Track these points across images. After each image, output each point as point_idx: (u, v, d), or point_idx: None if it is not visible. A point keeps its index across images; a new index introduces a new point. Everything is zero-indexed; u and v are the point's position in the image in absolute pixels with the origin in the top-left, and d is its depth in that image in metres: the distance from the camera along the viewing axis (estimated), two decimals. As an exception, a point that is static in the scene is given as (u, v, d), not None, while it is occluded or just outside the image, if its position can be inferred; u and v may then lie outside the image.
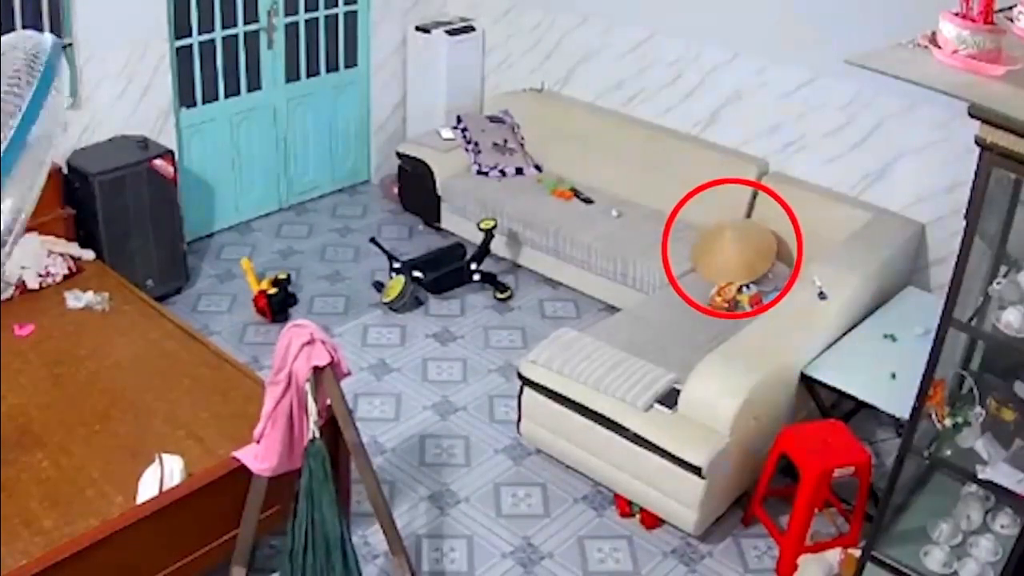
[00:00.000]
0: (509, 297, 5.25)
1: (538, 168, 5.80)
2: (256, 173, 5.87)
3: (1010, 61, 2.56)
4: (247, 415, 3.27)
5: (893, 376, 3.78)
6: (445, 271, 5.26)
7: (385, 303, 5.11)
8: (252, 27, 5.56)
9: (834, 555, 3.59)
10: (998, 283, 2.96)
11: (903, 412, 3.27)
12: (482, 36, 6.24)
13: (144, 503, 3.03)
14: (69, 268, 4.35)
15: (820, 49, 4.57)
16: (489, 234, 5.25)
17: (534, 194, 5.52)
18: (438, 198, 5.75)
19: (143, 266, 4.86)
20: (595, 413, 3.79)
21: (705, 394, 3.64)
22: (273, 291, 4.98)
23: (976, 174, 2.72)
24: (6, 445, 3.23)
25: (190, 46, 5.30)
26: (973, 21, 2.56)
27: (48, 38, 2.60)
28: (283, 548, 2.98)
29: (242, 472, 2.95)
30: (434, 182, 5.71)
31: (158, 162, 4.81)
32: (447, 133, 5.89)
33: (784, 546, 3.63)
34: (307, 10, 5.79)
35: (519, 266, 5.51)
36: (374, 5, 6.03)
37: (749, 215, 5.03)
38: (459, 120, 5.92)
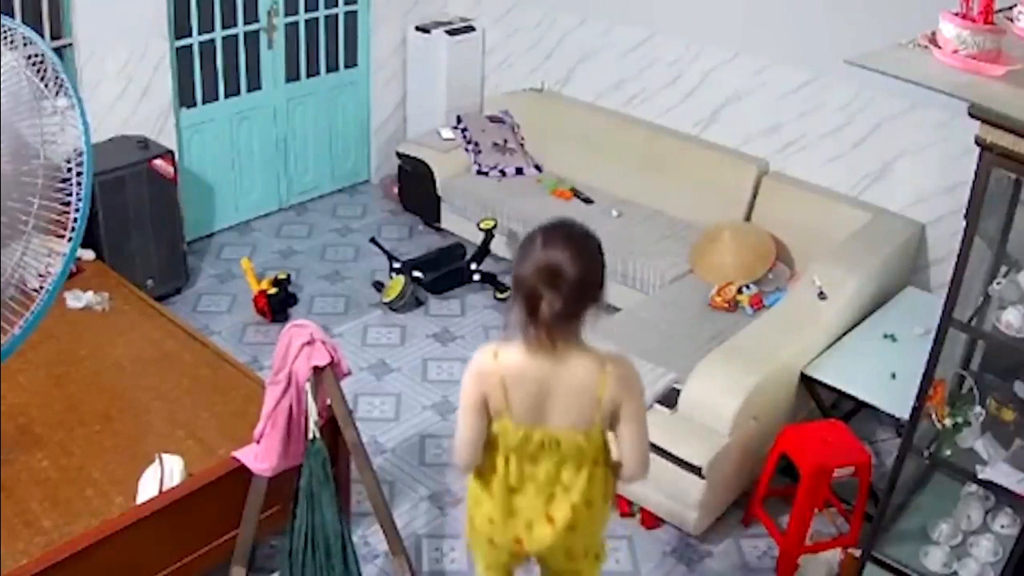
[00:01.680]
0: (509, 297, 5.25)
1: (538, 168, 5.80)
2: (256, 173, 5.87)
3: (1010, 61, 2.56)
4: (247, 415, 3.27)
5: (893, 376, 3.78)
6: (445, 271, 5.26)
7: (385, 303, 5.11)
8: (252, 27, 5.56)
9: (834, 555, 3.59)
10: (998, 283, 2.96)
11: (903, 412, 3.27)
12: (482, 36, 6.24)
13: (144, 503, 3.02)
14: (69, 268, 4.35)
15: (820, 49, 4.57)
16: (489, 234, 5.25)
17: (534, 194, 5.52)
18: (438, 198, 5.75)
19: (143, 266, 4.86)
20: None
21: (705, 394, 3.64)
22: (273, 291, 4.98)
23: (976, 174, 2.72)
24: (6, 445, 3.22)
25: (190, 46, 5.30)
26: (973, 21, 2.56)
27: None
28: (283, 548, 2.98)
29: (242, 472, 2.94)
30: (434, 182, 5.71)
31: (158, 162, 4.81)
32: (447, 133, 5.89)
33: (784, 546, 3.63)
34: (307, 10, 5.79)
35: (519, 266, 5.50)
36: (374, 5, 6.03)
37: (748, 217, 5.03)
38: (459, 120, 5.92)
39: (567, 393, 2.33)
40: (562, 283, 2.20)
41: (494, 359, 2.36)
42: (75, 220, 2.66)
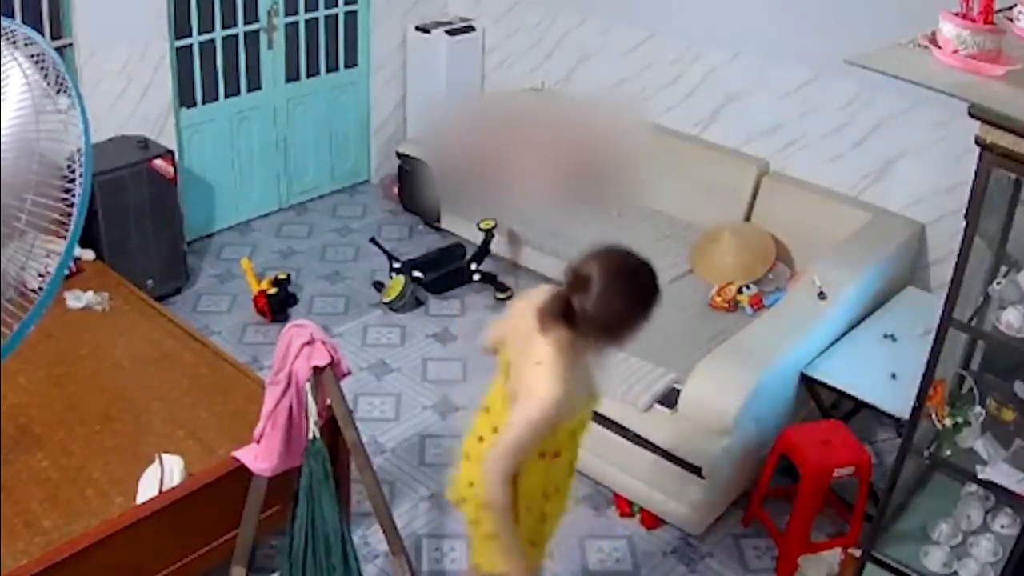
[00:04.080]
0: (509, 297, 5.25)
1: (538, 168, 5.80)
2: (256, 173, 5.87)
3: (1010, 61, 2.56)
4: (247, 415, 3.27)
5: (893, 376, 3.78)
6: (445, 271, 5.26)
7: (385, 303, 5.11)
8: (252, 27, 5.56)
9: (834, 555, 3.59)
10: (998, 283, 2.96)
11: (903, 412, 3.27)
12: (482, 36, 6.24)
13: (144, 503, 3.02)
14: (69, 268, 4.35)
15: (820, 49, 4.57)
16: (489, 234, 5.25)
17: (534, 194, 5.52)
18: (438, 198, 5.75)
19: (143, 266, 4.86)
20: (595, 413, 3.78)
21: (705, 394, 3.63)
22: (273, 291, 4.98)
23: (976, 174, 2.72)
24: (6, 445, 3.22)
25: (190, 46, 5.30)
26: (973, 21, 2.56)
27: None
28: (283, 548, 2.98)
29: (242, 472, 2.94)
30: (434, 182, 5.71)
31: (158, 162, 4.81)
32: (447, 133, 5.89)
33: (784, 546, 3.63)
34: (307, 10, 5.79)
35: (519, 266, 5.51)
36: (374, 5, 6.03)
37: (748, 217, 5.03)
38: (459, 120, 5.92)
39: (518, 368, 2.46)
40: (586, 298, 2.27)
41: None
42: (73, 219, 2.65)
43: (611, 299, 2.28)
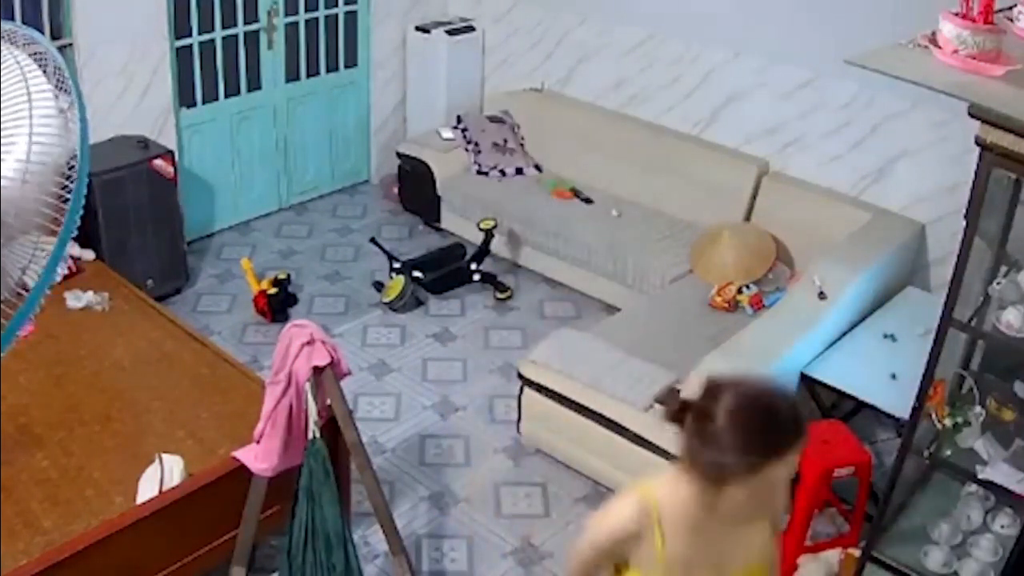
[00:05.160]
0: (509, 297, 5.25)
1: (538, 168, 5.80)
2: (256, 173, 5.87)
3: (1010, 61, 2.56)
4: (247, 415, 3.27)
5: (893, 376, 3.78)
6: (445, 271, 5.26)
7: (385, 303, 5.11)
8: (252, 27, 5.56)
9: (834, 555, 3.59)
10: (998, 283, 2.96)
11: (903, 412, 3.27)
12: (482, 36, 6.24)
13: (144, 503, 3.02)
14: (69, 268, 4.35)
15: (820, 49, 4.57)
16: (489, 234, 5.25)
17: (534, 194, 5.52)
18: (438, 198, 5.75)
19: (143, 266, 4.86)
20: (595, 413, 3.79)
21: (705, 394, 3.63)
22: (273, 291, 4.98)
23: (976, 174, 2.72)
24: (6, 445, 3.22)
25: (190, 46, 5.30)
26: (973, 21, 2.56)
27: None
28: (283, 547, 2.98)
29: (242, 472, 2.94)
30: (434, 182, 5.71)
31: (158, 162, 4.81)
32: (447, 133, 5.89)
33: (784, 546, 3.63)
34: (307, 10, 5.79)
35: (519, 266, 5.51)
36: (374, 5, 6.03)
37: (748, 217, 5.03)
38: (459, 120, 5.92)
39: None
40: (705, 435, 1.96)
41: None
42: (65, 216, 2.64)
43: (741, 441, 1.89)
